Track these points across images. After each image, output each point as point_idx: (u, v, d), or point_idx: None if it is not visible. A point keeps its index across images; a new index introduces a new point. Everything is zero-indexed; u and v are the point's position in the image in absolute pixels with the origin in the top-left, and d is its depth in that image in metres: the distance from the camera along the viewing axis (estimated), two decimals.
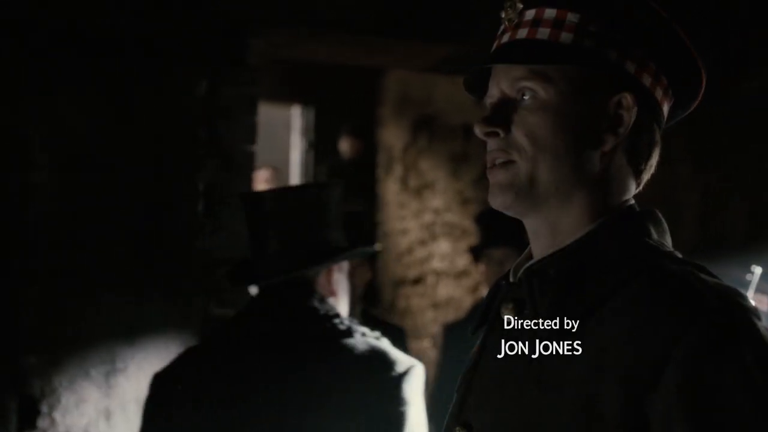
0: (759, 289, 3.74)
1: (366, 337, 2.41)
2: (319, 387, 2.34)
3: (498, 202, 1.47)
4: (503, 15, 1.50)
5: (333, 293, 2.51)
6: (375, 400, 2.32)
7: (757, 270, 3.23)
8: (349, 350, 2.37)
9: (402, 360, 2.38)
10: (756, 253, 4.18)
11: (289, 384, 2.35)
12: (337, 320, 2.42)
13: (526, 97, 1.45)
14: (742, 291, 3.42)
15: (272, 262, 2.47)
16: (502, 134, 1.45)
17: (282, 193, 2.57)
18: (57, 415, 3.87)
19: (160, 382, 2.51)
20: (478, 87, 1.55)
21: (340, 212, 2.55)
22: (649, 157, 1.51)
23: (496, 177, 1.47)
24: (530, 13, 1.47)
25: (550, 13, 1.46)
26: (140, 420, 2.53)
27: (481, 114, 1.50)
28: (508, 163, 1.45)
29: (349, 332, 2.40)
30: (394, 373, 2.35)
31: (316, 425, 2.31)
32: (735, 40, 4.94)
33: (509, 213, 1.48)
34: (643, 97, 1.47)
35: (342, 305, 2.54)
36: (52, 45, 3.96)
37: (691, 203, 5.14)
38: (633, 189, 1.51)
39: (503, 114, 1.46)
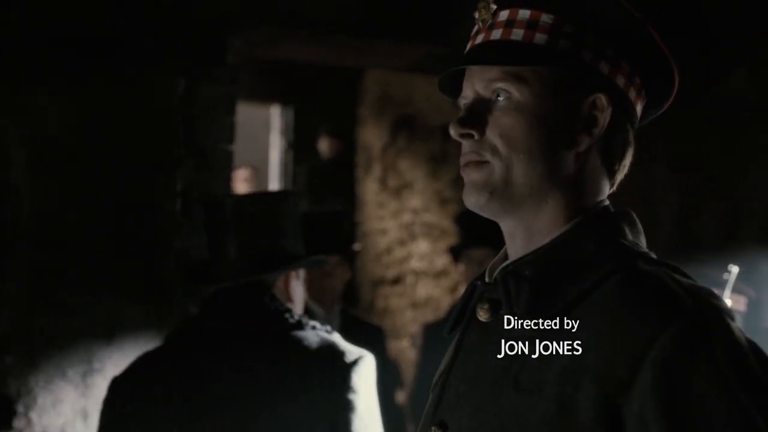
0: (736, 289, 3.76)
1: (316, 330, 2.45)
2: (270, 380, 2.37)
3: (472, 201, 1.47)
4: (477, 16, 1.50)
5: (289, 299, 2.57)
6: (325, 390, 2.35)
7: (734, 270, 3.24)
8: (299, 343, 2.41)
9: (351, 350, 2.42)
10: (732, 253, 4.21)
11: (239, 380, 2.38)
12: (287, 314, 2.46)
13: (500, 98, 1.45)
14: (719, 291, 3.43)
15: (230, 266, 2.51)
16: (476, 135, 1.45)
17: (243, 199, 2.62)
18: (33, 416, 3.85)
19: (118, 386, 2.53)
20: (452, 88, 1.55)
21: (297, 221, 2.59)
22: (623, 157, 1.52)
23: (470, 176, 1.47)
24: (504, 14, 1.47)
25: (524, 14, 1.46)
26: (98, 424, 2.54)
27: (457, 115, 1.50)
28: (483, 163, 1.45)
29: (299, 325, 2.44)
30: (343, 363, 2.38)
31: (269, 418, 2.34)
32: (712, 41, 4.96)
33: (484, 214, 1.48)
34: (616, 97, 1.48)
35: (297, 310, 2.58)
36: (31, 44, 3.94)
37: (669, 203, 5.16)
38: (607, 189, 1.51)
39: (478, 115, 1.46)
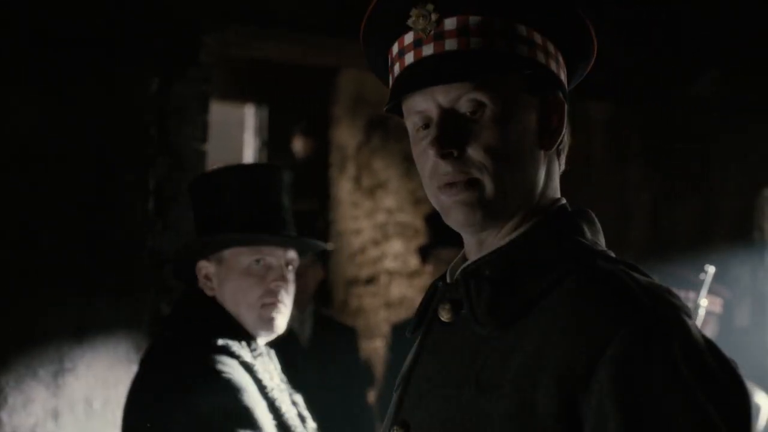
0: (712, 291, 3.77)
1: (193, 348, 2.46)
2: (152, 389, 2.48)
3: (461, 220, 1.44)
4: (414, 25, 1.43)
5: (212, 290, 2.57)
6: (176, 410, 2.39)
7: (711, 270, 3.24)
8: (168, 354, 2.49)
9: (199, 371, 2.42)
10: (705, 254, 4.22)
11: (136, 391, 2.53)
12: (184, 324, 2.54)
13: (475, 112, 1.41)
14: (695, 292, 3.41)
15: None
16: (456, 153, 1.41)
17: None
18: (4, 415, 3.83)
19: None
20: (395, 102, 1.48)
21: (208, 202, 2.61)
22: (566, 149, 1.53)
23: (459, 196, 1.42)
24: (450, 22, 1.41)
25: (474, 20, 1.41)
26: None
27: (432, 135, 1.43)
28: (472, 182, 1.41)
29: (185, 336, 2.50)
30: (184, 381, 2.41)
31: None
32: (685, 44, 4.99)
33: (467, 230, 1.46)
34: (562, 92, 1.49)
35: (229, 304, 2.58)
36: (2, 40, 3.92)
37: (643, 203, 5.18)
38: (559, 185, 1.51)
39: (454, 132, 1.41)
